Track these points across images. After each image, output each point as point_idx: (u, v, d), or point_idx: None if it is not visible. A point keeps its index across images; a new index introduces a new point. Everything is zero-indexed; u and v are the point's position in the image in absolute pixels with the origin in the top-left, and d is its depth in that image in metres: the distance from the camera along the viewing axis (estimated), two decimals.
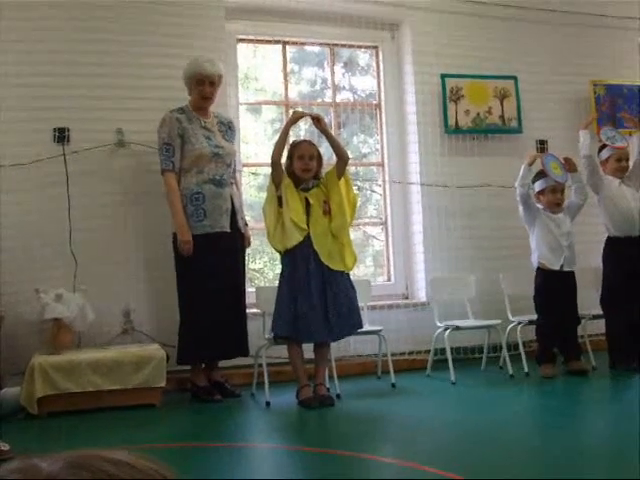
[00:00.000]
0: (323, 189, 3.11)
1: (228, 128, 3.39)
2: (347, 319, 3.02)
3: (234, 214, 3.27)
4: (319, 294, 2.98)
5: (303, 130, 4.09)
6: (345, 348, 3.62)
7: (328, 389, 3.11)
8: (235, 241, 3.27)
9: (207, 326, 3.14)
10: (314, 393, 3.01)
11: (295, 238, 2.99)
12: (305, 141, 3.17)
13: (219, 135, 3.31)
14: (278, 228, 3.03)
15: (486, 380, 3.53)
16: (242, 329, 3.29)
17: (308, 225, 3.05)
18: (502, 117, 4.20)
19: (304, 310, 2.95)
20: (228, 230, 3.22)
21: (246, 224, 3.44)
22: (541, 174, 3.61)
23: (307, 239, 3.03)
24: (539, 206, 3.61)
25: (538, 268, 3.56)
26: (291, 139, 3.33)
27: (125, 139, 3.52)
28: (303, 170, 3.06)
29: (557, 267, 3.49)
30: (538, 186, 3.62)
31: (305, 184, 3.09)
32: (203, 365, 3.31)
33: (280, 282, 3.09)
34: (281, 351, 3.26)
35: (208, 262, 3.16)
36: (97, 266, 3.47)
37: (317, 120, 3.11)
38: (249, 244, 3.47)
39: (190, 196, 3.19)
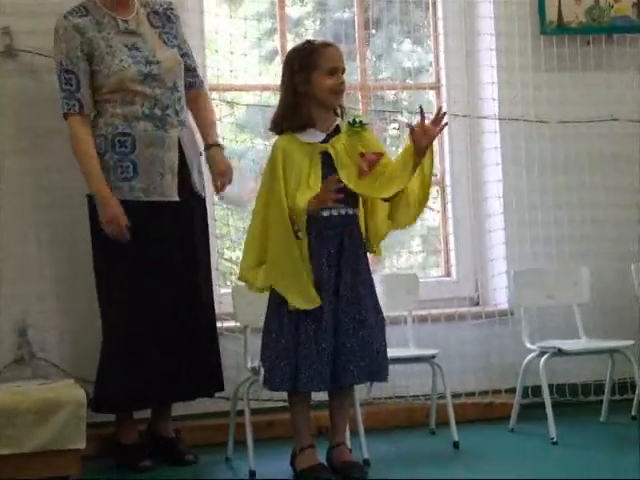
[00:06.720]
0: (351, 137, 2.97)
1: (166, 19, 3.34)
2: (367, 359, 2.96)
3: (186, 172, 3.22)
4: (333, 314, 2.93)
5: None
6: (377, 385, 3.48)
7: (350, 450, 3.11)
8: (190, 216, 3.24)
9: (140, 350, 3.14)
10: (330, 460, 3.02)
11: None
12: (331, 44, 3.08)
13: (153, 38, 3.27)
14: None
15: (610, 438, 3.49)
16: (211, 352, 3.30)
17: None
18: (638, 6, 4.10)
19: (315, 343, 2.89)
20: (175, 198, 3.19)
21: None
22: None
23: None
24: None
25: None
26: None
27: (15, 45, 3.47)
28: (334, 92, 2.92)
29: None
30: None
31: (324, 124, 2.94)
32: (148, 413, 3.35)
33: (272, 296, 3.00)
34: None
35: (139, 249, 3.13)
36: None
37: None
38: None
39: (112, 138, 3.17)
